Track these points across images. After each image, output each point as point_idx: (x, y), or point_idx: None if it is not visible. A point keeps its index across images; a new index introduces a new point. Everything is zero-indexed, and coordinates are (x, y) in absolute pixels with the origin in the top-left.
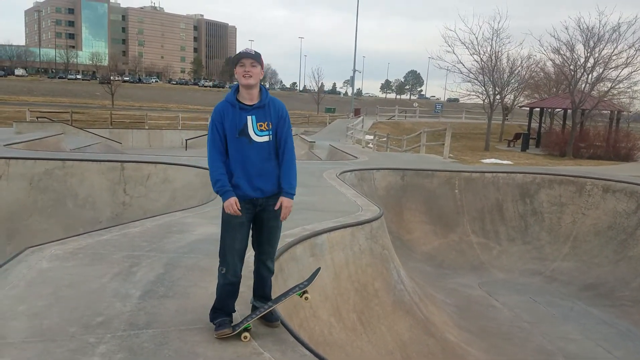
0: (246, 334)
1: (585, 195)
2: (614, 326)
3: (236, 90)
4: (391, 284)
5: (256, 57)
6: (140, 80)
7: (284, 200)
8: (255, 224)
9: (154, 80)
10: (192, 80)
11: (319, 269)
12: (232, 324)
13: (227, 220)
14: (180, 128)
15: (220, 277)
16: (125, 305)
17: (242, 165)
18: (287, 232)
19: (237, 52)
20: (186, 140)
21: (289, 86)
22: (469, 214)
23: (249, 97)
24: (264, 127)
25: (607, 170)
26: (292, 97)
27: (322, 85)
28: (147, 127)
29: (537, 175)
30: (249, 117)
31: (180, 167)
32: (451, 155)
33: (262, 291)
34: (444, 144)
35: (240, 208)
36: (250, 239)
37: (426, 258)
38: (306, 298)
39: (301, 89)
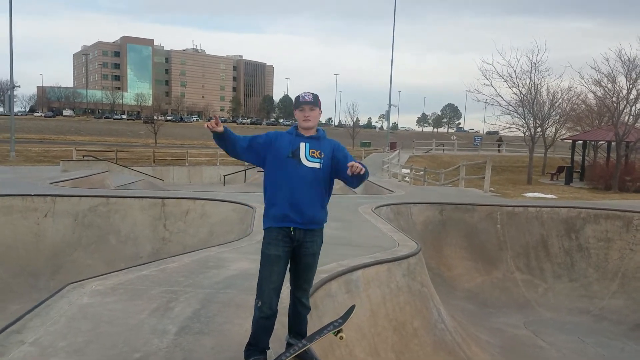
0: None
1: (632, 230)
2: None
3: (296, 128)
4: (431, 323)
5: (314, 102)
6: (182, 119)
7: (354, 163)
8: (292, 259)
9: (195, 119)
10: (231, 118)
11: (353, 307)
12: None
13: (266, 253)
14: (218, 164)
15: (256, 310)
16: (162, 342)
17: (287, 186)
18: (322, 268)
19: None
20: (224, 176)
21: (324, 121)
22: (512, 249)
23: (306, 133)
24: (316, 155)
25: None
26: (328, 132)
27: (357, 119)
28: (187, 164)
29: (582, 209)
30: (302, 143)
31: (218, 202)
32: (492, 188)
33: (298, 328)
34: (484, 177)
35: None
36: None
37: (468, 296)
38: (341, 337)
39: (336, 124)
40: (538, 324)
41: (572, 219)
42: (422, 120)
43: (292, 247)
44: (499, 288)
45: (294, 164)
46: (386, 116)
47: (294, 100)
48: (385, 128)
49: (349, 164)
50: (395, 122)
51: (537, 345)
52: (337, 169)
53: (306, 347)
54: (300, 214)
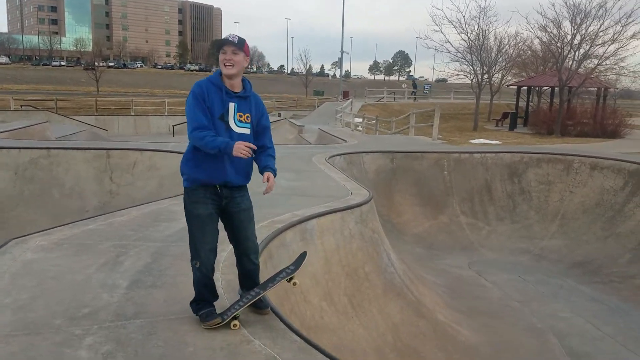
0: (235, 322)
1: (572, 173)
2: (603, 303)
3: (220, 74)
4: (382, 267)
5: (239, 45)
6: (125, 66)
7: (269, 174)
8: (225, 220)
9: (139, 65)
10: (178, 65)
11: (305, 254)
12: (221, 313)
13: (194, 213)
14: (166, 114)
15: (196, 271)
16: (112, 296)
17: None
18: (277, 219)
19: (222, 36)
20: (173, 126)
21: (276, 69)
22: (458, 194)
23: (231, 86)
24: (244, 119)
25: (595, 148)
26: (280, 80)
27: (310, 67)
28: (133, 114)
29: (525, 154)
30: (231, 104)
31: (167, 153)
32: (440, 136)
33: (250, 283)
34: (432, 125)
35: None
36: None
37: (416, 240)
38: (294, 284)
39: (289, 71)
40: (481, 264)
41: (515, 163)
42: (374, 68)
43: (221, 206)
44: (445, 232)
45: (222, 129)
46: (339, 64)
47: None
48: (338, 76)
49: (265, 179)
50: (347, 70)
51: (480, 284)
52: (254, 137)
53: (260, 295)
54: (229, 179)
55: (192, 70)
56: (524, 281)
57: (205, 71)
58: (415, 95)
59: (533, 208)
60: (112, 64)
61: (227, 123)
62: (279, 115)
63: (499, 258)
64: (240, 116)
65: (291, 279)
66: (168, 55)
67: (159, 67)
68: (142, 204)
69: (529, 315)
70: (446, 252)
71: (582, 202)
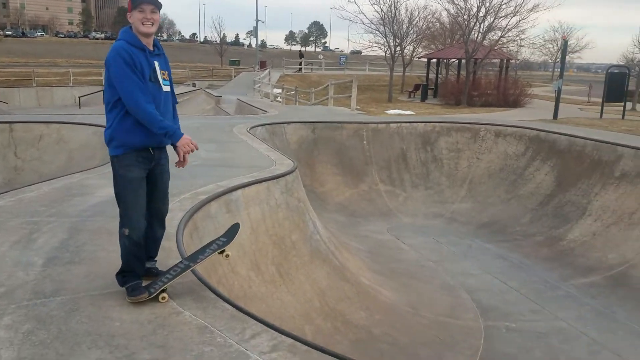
0: (164, 294)
1: (479, 141)
2: (507, 259)
3: (130, 35)
4: (308, 235)
5: (158, 5)
6: (24, 34)
7: (184, 138)
8: (148, 183)
9: (39, 33)
10: (82, 33)
11: (237, 225)
12: (147, 286)
13: (127, 177)
14: (71, 85)
15: (125, 240)
16: (28, 274)
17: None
18: (200, 190)
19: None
20: (79, 97)
21: (188, 37)
22: (377, 163)
23: (148, 44)
24: (166, 77)
25: (498, 116)
26: (193, 49)
27: (225, 36)
28: (35, 85)
29: (437, 124)
30: (155, 63)
31: (76, 125)
32: (358, 107)
33: (156, 250)
34: (351, 97)
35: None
36: None
37: (339, 208)
38: (227, 256)
39: (202, 40)
40: (399, 229)
41: (427, 133)
42: (290, 38)
43: (149, 168)
44: (365, 199)
45: (155, 90)
46: (254, 33)
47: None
48: (254, 46)
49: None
50: (263, 40)
51: (399, 247)
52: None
53: (190, 268)
54: (161, 139)
55: (97, 39)
56: (437, 243)
57: (112, 39)
58: (301, 66)
59: (444, 174)
60: (10, 32)
61: (158, 83)
62: (194, 85)
63: (415, 222)
64: (163, 74)
65: (223, 251)
66: (71, 23)
67: (62, 35)
68: (52, 179)
69: (443, 273)
70: (367, 219)
71: (488, 168)
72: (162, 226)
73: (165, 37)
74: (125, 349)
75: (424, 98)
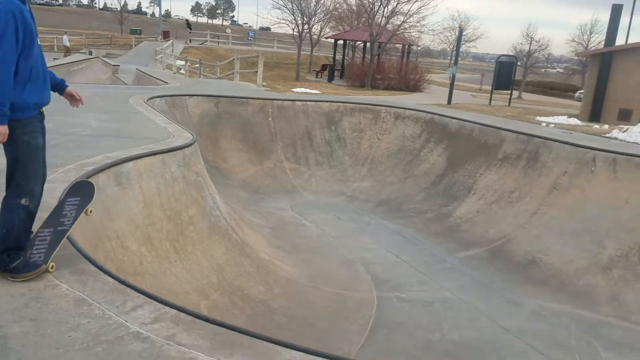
0: (52, 263)
1: (380, 122)
2: (401, 235)
3: None
4: (207, 211)
5: None
6: None
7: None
8: None
9: None
10: None
11: (87, 183)
12: (25, 257)
13: (34, 143)
14: None
15: (22, 211)
16: None
17: (42, 67)
18: (87, 161)
19: None
20: None
21: (86, 3)
22: (282, 141)
23: None
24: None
25: (399, 100)
26: (91, 16)
27: (126, 3)
28: None
29: (341, 104)
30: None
31: None
32: (264, 83)
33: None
34: (257, 72)
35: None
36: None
37: (243, 185)
38: (91, 211)
39: (101, 6)
40: (302, 206)
41: (332, 112)
42: (196, 9)
43: (43, 132)
44: (270, 176)
45: (36, 42)
46: (157, 1)
47: None
48: (157, 15)
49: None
50: (167, 10)
51: (301, 224)
52: None
53: (68, 232)
54: (49, 95)
55: None
56: (338, 219)
57: None
58: (207, 39)
59: (347, 154)
60: None
61: (36, 35)
62: (90, 53)
63: (318, 200)
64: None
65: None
66: None
67: None
68: None
69: (342, 249)
70: (271, 196)
71: (387, 148)
72: (42, 190)
73: (60, 2)
74: None
75: (330, 78)
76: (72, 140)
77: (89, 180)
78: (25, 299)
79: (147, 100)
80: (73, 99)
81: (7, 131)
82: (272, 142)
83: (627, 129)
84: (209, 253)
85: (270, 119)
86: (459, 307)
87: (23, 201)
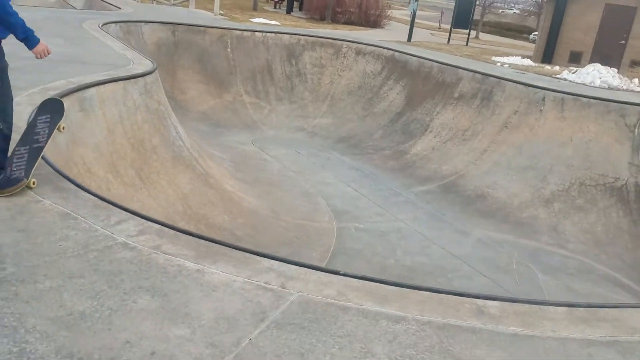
0: (34, 179)
1: (341, 57)
2: (360, 170)
3: None
4: (170, 140)
5: None
6: None
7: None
8: None
9: None
10: None
11: (56, 100)
12: (14, 174)
13: (2, 66)
14: None
15: None
16: None
17: None
18: (49, 85)
19: None
20: None
21: None
22: (241, 74)
23: None
24: None
25: (359, 35)
26: None
27: None
28: None
29: (302, 37)
30: None
31: None
32: (221, 12)
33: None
34: (213, 0)
35: None
36: None
37: (202, 118)
38: (63, 128)
39: None
40: (263, 141)
41: (293, 45)
42: None
43: None
44: (230, 110)
45: None
46: None
47: None
48: None
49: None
50: None
51: (262, 158)
52: None
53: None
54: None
55: None
56: (299, 155)
57: None
58: None
59: (308, 89)
60: None
61: None
62: None
63: (278, 135)
64: None
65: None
66: None
67: None
68: None
69: (303, 182)
70: (231, 130)
71: (348, 85)
72: None
73: None
74: None
75: (289, 10)
76: (30, 65)
77: (57, 97)
78: (11, 212)
79: (102, 26)
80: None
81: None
82: (231, 75)
83: (576, 71)
84: (174, 182)
85: (229, 49)
86: (412, 236)
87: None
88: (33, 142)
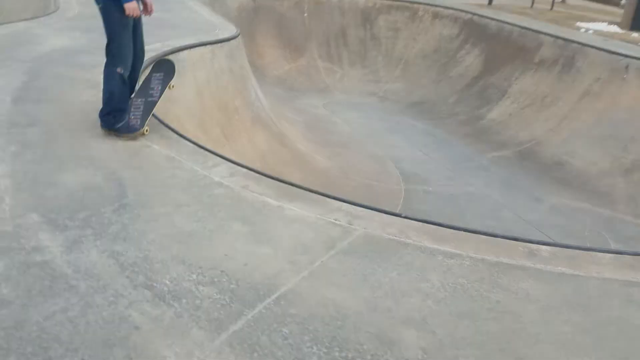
0: (147, 127)
1: (417, 21)
2: (432, 135)
3: None
4: (250, 102)
5: None
6: None
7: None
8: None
9: None
10: None
11: (168, 61)
12: (134, 122)
13: (124, 20)
14: None
15: (118, 79)
16: (1, 110)
17: None
18: (147, 47)
19: None
20: None
21: None
22: (316, 39)
23: None
24: None
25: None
26: None
27: None
28: None
29: (377, 0)
30: None
31: None
32: None
33: (133, 92)
34: None
35: None
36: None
37: (277, 82)
38: (172, 86)
39: None
40: (334, 105)
41: (368, 9)
42: None
43: None
44: (303, 74)
45: None
46: None
47: None
48: None
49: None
50: None
51: (332, 121)
52: None
53: (156, 103)
54: None
55: None
56: (369, 118)
57: None
58: None
59: (381, 54)
60: None
61: None
62: None
63: (349, 99)
64: None
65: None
66: None
67: None
68: None
69: (372, 145)
70: (304, 94)
71: (423, 49)
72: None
73: None
74: (107, 169)
75: None
76: None
77: (169, 59)
78: (128, 154)
79: None
80: (145, 9)
81: (136, 6)
82: (306, 40)
83: None
84: (253, 141)
85: (305, 15)
86: (483, 201)
87: (118, 69)
88: (148, 96)
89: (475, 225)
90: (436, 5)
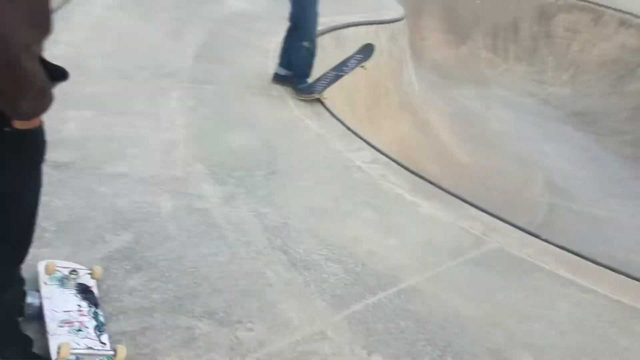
0: (326, 95)
1: (600, 26)
2: (587, 150)
3: None
4: (401, 86)
5: None
6: None
7: None
8: None
9: None
10: None
11: (371, 46)
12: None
13: None
14: None
15: (305, 52)
16: (185, 62)
17: None
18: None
19: None
20: None
21: None
22: (484, 27)
23: None
24: None
25: (629, 3)
26: None
27: None
28: None
29: None
30: None
31: None
32: None
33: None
34: None
35: None
36: None
37: (433, 66)
38: (364, 67)
39: None
40: (490, 99)
41: (547, 4)
42: None
43: None
44: (462, 62)
45: None
46: None
47: None
48: None
49: None
50: None
51: (483, 115)
52: None
53: (341, 77)
54: None
55: None
56: (523, 120)
57: None
58: None
59: (553, 54)
60: None
61: None
62: None
63: (507, 96)
64: None
65: (362, 65)
66: None
67: None
68: None
69: (520, 148)
70: (459, 83)
71: (600, 56)
72: None
73: None
74: (265, 135)
75: None
76: None
77: (373, 44)
78: (284, 124)
79: None
80: None
81: None
82: (473, 27)
83: None
84: (396, 125)
85: (478, 1)
86: (631, 232)
87: (305, 44)
88: (340, 71)
89: (618, 256)
90: (625, 12)
